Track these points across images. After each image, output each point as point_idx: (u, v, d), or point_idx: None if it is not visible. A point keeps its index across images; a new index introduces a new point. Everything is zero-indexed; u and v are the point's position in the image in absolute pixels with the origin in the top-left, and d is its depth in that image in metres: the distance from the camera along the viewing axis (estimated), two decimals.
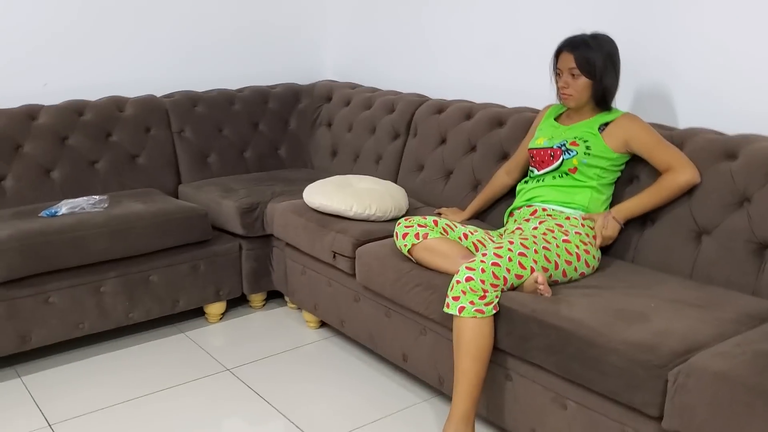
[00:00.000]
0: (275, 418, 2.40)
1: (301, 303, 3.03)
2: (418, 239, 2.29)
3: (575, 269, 2.19)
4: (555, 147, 2.39)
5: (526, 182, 2.50)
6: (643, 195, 2.28)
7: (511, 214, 2.49)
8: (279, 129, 3.79)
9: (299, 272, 2.97)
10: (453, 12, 3.34)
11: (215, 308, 3.12)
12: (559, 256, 2.16)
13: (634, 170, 2.40)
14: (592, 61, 2.29)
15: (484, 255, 2.07)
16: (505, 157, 2.82)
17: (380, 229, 2.65)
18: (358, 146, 3.52)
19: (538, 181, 2.44)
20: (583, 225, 2.29)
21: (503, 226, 2.51)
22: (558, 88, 2.40)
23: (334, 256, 2.65)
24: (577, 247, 2.21)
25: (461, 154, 2.99)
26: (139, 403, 2.48)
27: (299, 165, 3.80)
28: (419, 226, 2.32)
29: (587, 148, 2.33)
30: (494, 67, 3.20)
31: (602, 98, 2.36)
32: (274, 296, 3.34)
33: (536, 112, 2.86)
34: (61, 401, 2.49)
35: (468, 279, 2.01)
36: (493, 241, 2.34)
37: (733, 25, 2.35)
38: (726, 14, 2.36)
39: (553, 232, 2.24)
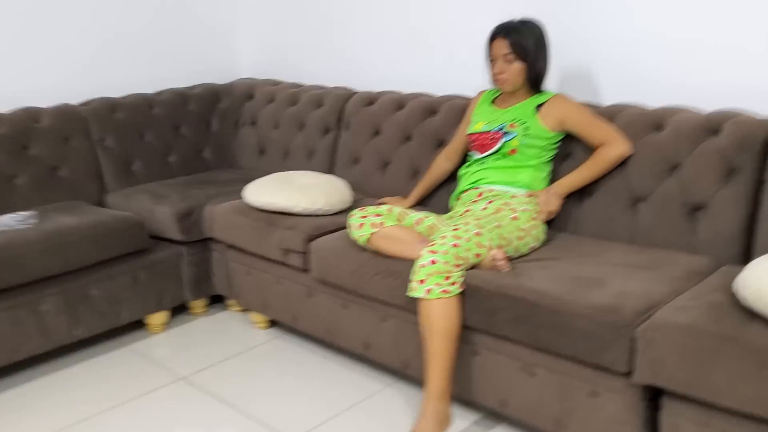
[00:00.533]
0: (242, 420, 2.38)
1: (248, 304, 3.01)
2: (375, 228, 2.33)
3: (526, 244, 2.30)
4: (495, 130, 2.49)
5: (468, 166, 2.59)
6: (581, 170, 2.42)
7: (458, 197, 2.57)
8: (201, 131, 3.72)
9: (244, 273, 2.94)
10: (375, 3, 3.39)
11: (158, 318, 3.05)
12: (510, 232, 2.26)
13: (569, 147, 2.54)
14: (524, 46, 2.41)
15: (443, 237, 2.14)
16: (441, 144, 2.91)
17: (330, 223, 2.67)
18: (287, 143, 3.52)
19: (480, 164, 2.53)
20: (528, 202, 2.40)
21: (450, 210, 2.59)
22: (493, 74, 2.50)
23: (285, 253, 2.65)
24: (526, 223, 2.32)
25: (397, 144, 3.05)
26: (95, 422, 2.40)
27: (225, 166, 3.75)
28: (374, 215, 2.36)
29: (525, 129, 2.45)
30: (419, 57, 3.28)
31: (535, 81, 2.48)
32: (216, 301, 3.29)
33: (466, 99, 2.96)
34: (10, 430, 2.37)
35: (432, 262, 2.07)
36: (445, 225, 2.41)
37: (651, 2, 2.52)
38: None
39: (502, 210, 2.34)
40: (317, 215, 2.74)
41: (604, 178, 2.42)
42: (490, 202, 2.41)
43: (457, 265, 2.09)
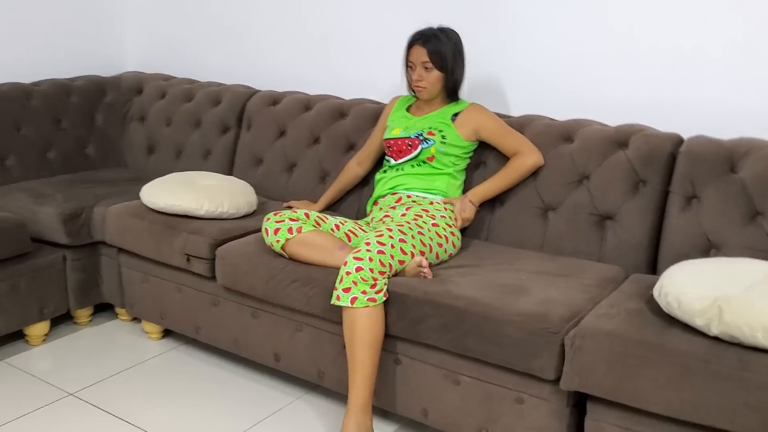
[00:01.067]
0: None
1: (142, 314, 2.81)
2: (292, 234, 2.24)
3: (445, 251, 2.30)
4: (412, 137, 2.47)
5: (384, 171, 2.56)
6: (495, 178, 2.45)
7: (375, 203, 2.53)
8: (85, 126, 3.45)
9: (139, 281, 2.75)
10: (279, 2, 3.29)
11: (38, 329, 2.79)
12: (431, 239, 2.25)
13: (482, 156, 2.57)
14: (443, 55, 2.41)
15: (367, 244, 2.09)
16: (351, 147, 2.86)
17: (237, 227, 2.55)
18: (181, 141, 3.33)
19: (397, 170, 2.51)
20: (446, 209, 2.40)
21: (366, 215, 2.55)
22: (411, 81, 2.48)
23: (188, 260, 2.50)
24: (444, 229, 2.32)
25: (304, 146, 2.97)
26: None
27: (111, 164, 3.50)
28: (291, 220, 2.27)
29: (443, 137, 2.45)
30: (325, 59, 3.21)
31: (453, 90, 2.49)
32: (102, 310, 3.06)
33: (377, 104, 2.93)
34: None
35: (358, 269, 2.02)
36: (364, 231, 2.37)
37: (559, 16, 2.61)
38: (553, 6, 2.61)
39: (421, 217, 2.33)
40: (222, 218, 2.60)
41: (517, 188, 2.47)
42: (408, 208, 2.39)
43: (382, 272, 2.05)
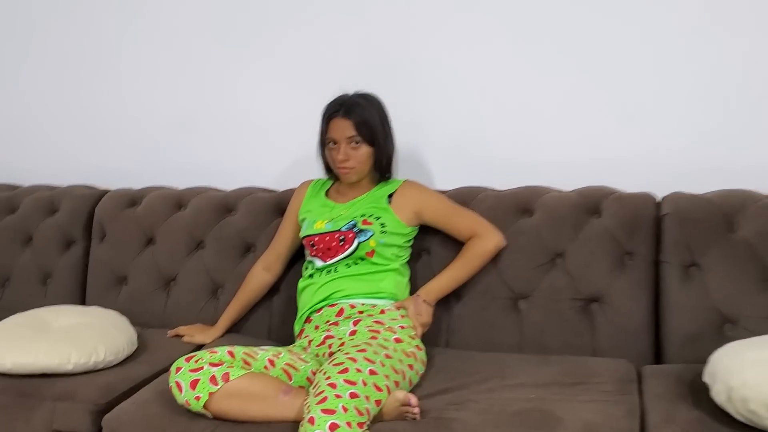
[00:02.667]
0: None
1: None
2: (217, 384, 1.60)
3: (417, 372, 1.78)
4: (344, 229, 1.95)
5: (310, 277, 1.99)
6: (450, 270, 1.99)
7: (307, 319, 1.95)
8: None
9: None
10: (119, 83, 2.65)
11: None
12: (401, 361, 1.72)
13: (424, 243, 2.10)
14: (371, 126, 1.94)
15: (332, 386, 1.52)
16: (248, 249, 2.27)
17: (122, 379, 1.84)
18: (6, 266, 2.53)
19: (328, 272, 1.96)
20: (401, 316, 1.89)
21: (297, 338, 1.96)
22: (333, 161, 1.98)
23: None
24: (409, 344, 1.81)
25: (183, 254, 2.32)
26: None
27: None
28: (212, 365, 1.64)
29: (382, 225, 1.95)
30: (184, 145, 2.61)
31: (386, 166, 2.02)
32: None
33: (269, 191, 2.38)
34: None
35: (333, 427, 1.44)
36: (305, 361, 1.78)
37: (475, 84, 2.25)
38: (467, 73, 2.26)
39: (379, 333, 1.80)
40: (97, 369, 1.88)
41: (476, 277, 2.02)
42: (356, 322, 1.85)
43: (361, 424, 1.48)
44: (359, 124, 1.92)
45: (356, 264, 1.95)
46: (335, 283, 1.93)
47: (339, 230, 1.95)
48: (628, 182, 2.10)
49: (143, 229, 2.40)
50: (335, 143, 1.95)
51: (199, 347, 2.10)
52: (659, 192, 2.05)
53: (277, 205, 2.29)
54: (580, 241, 1.98)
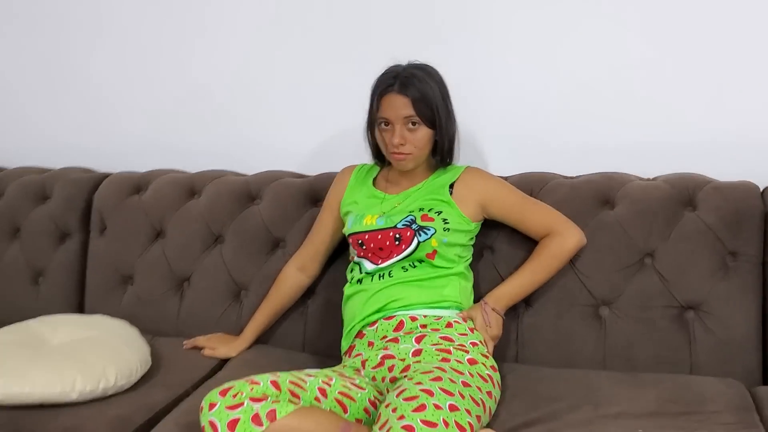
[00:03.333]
0: None
1: None
2: (261, 425, 1.30)
3: (495, 399, 1.50)
4: (400, 226, 1.64)
5: (358, 282, 1.68)
6: (523, 273, 1.69)
7: (359, 334, 1.64)
8: None
9: None
10: (121, 48, 2.30)
11: None
12: (480, 389, 1.43)
13: (487, 239, 1.80)
14: (432, 103, 1.62)
15: (408, 429, 1.23)
16: (277, 245, 1.96)
17: (136, 408, 1.53)
18: None
19: (381, 277, 1.65)
20: (471, 330, 1.60)
21: (345, 356, 1.66)
22: (386, 146, 1.66)
23: None
24: (485, 366, 1.52)
25: (200, 250, 2.01)
26: None
27: None
28: (253, 400, 1.33)
29: (444, 221, 1.65)
30: (196, 120, 2.27)
31: (447, 151, 1.70)
32: None
33: (299, 176, 2.07)
34: None
35: None
36: (360, 387, 1.49)
37: (536, 53, 1.94)
38: (527, 39, 1.94)
39: (450, 353, 1.50)
40: (107, 396, 1.57)
41: (550, 281, 1.73)
42: (419, 338, 1.55)
43: None
44: (418, 101, 1.60)
45: (414, 267, 1.65)
46: (391, 291, 1.63)
47: (394, 227, 1.64)
48: (720, 170, 1.81)
49: (150, 220, 2.07)
50: (388, 124, 1.63)
51: (224, 362, 1.80)
52: (759, 181, 1.76)
53: (310, 192, 1.98)
54: (674, 239, 1.69)
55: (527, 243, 1.74)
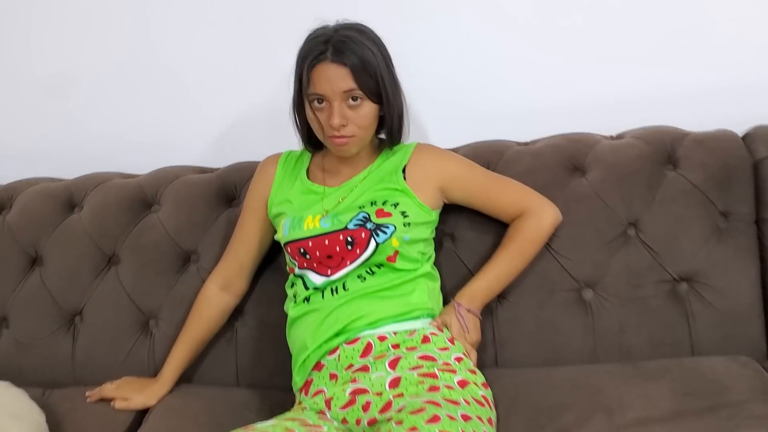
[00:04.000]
0: None
1: None
2: None
3: (494, 423, 1.24)
4: (352, 227, 1.33)
5: (306, 301, 1.36)
6: (498, 262, 1.42)
7: (317, 365, 1.32)
8: None
9: None
10: None
11: None
12: (481, 419, 1.17)
13: (445, 227, 1.52)
14: (375, 72, 1.30)
15: None
16: (187, 260, 1.60)
17: None
18: None
19: (333, 292, 1.34)
20: (452, 341, 1.33)
21: (301, 392, 1.34)
22: (318, 127, 1.33)
23: None
24: (476, 384, 1.26)
25: (90, 276, 1.62)
26: None
27: None
28: None
29: (403, 215, 1.35)
30: (64, 113, 1.84)
31: (397, 130, 1.40)
32: None
33: (205, 172, 1.71)
34: None
35: None
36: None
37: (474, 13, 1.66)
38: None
39: (436, 378, 1.23)
40: None
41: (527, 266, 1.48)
42: (394, 362, 1.26)
43: None
44: (359, 70, 1.28)
45: (373, 275, 1.34)
46: (350, 307, 1.32)
47: (344, 228, 1.33)
48: (685, 120, 1.62)
49: (21, 245, 1.66)
50: (322, 101, 1.30)
51: (142, 413, 1.44)
52: (732, 128, 1.58)
53: (221, 189, 1.64)
54: (658, 204, 1.48)
55: (493, 225, 1.49)
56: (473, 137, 1.67)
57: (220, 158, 1.76)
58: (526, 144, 1.62)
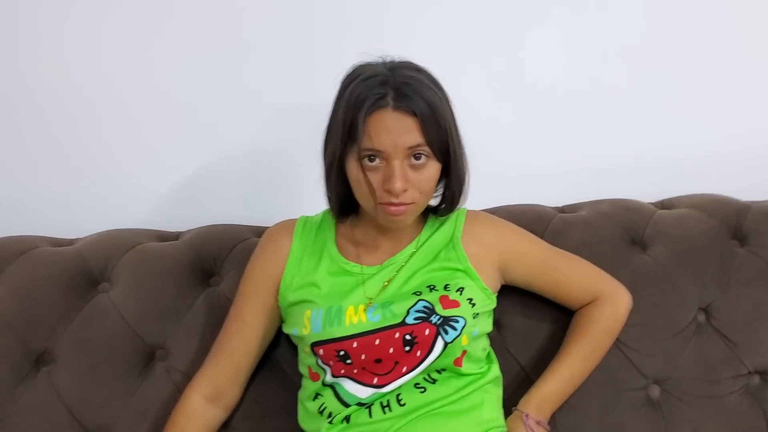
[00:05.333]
0: None
1: None
2: None
3: None
4: (412, 322, 1.01)
5: (345, 421, 1.01)
6: (570, 360, 1.15)
7: None
8: None
9: None
10: None
11: None
12: None
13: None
14: (445, 124, 1.01)
15: None
16: (151, 356, 1.21)
17: None
18: None
19: (386, 408, 1.00)
20: None
21: None
22: (369, 192, 1.01)
23: None
24: None
25: (12, 381, 1.18)
26: None
27: None
28: None
29: (470, 302, 1.06)
30: None
31: (459, 194, 1.10)
32: None
33: (165, 240, 1.32)
34: None
35: None
36: None
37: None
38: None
39: None
40: None
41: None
42: None
43: None
44: (428, 121, 0.98)
45: (433, 383, 1.03)
46: (411, 431, 0.99)
47: (402, 323, 1.01)
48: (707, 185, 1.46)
49: None
50: (375, 158, 0.99)
51: None
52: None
53: (195, 263, 1.27)
54: (734, 286, 1.28)
55: (549, 310, 1.23)
56: (495, 199, 1.41)
57: (177, 219, 1.40)
58: (562, 209, 1.39)
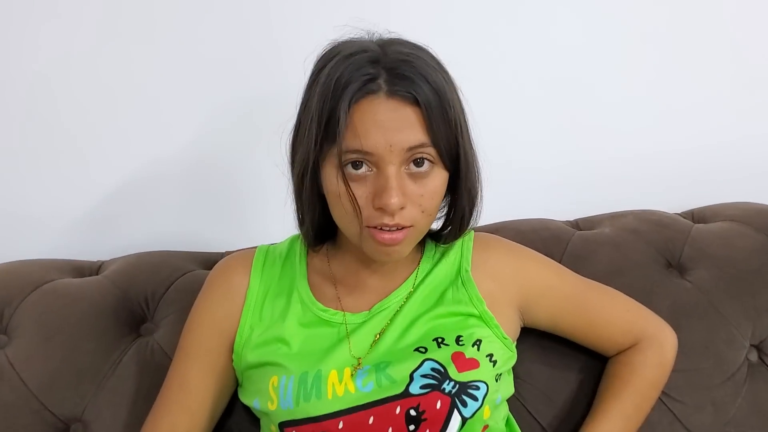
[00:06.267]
0: None
1: None
2: None
3: None
4: (417, 391, 0.74)
5: None
6: (609, 421, 0.89)
7: None
8: None
9: None
10: None
11: None
12: None
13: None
14: (454, 118, 0.75)
15: None
16: (68, 427, 0.91)
17: None
18: None
19: None
20: None
21: None
22: (357, 210, 0.73)
23: None
24: None
25: None
26: None
27: None
28: None
29: (490, 359, 0.80)
30: None
31: (469, 214, 0.83)
32: None
33: (80, 272, 1.03)
34: None
35: None
36: None
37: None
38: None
39: None
40: None
41: None
42: None
43: None
44: (433, 112, 0.72)
45: None
46: None
47: (404, 394, 0.74)
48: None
49: None
50: (362, 165, 0.72)
51: None
52: None
53: (121, 305, 0.99)
54: None
55: (574, 357, 0.98)
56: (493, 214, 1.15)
57: (97, 246, 1.11)
58: (577, 224, 1.14)
